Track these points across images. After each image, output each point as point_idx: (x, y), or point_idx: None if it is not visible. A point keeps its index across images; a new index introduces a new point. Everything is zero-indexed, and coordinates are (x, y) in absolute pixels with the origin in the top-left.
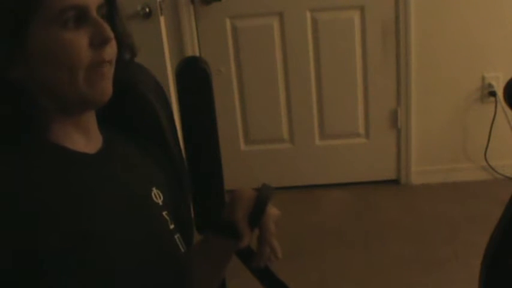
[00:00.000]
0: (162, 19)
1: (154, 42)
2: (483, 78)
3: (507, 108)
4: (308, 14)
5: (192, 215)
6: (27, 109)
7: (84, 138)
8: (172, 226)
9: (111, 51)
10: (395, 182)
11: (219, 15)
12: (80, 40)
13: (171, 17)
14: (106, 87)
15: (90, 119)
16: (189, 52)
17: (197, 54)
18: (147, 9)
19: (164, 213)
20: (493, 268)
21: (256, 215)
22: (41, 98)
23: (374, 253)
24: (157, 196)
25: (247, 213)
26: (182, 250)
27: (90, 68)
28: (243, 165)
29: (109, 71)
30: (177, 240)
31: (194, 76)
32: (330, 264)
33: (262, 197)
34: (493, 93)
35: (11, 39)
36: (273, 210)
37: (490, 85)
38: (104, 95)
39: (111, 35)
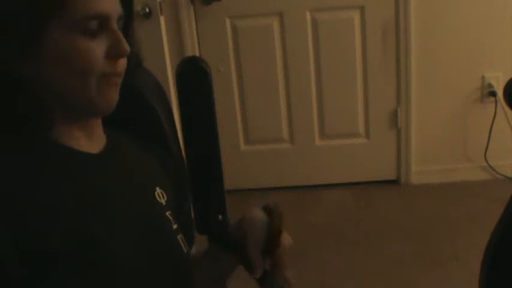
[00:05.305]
0: (162, 19)
1: (154, 42)
2: (483, 78)
3: (507, 108)
4: (308, 14)
5: (192, 216)
6: (31, 107)
7: (88, 138)
8: (175, 226)
9: (123, 62)
10: (395, 182)
11: (219, 15)
12: (97, 50)
13: (171, 17)
14: (114, 97)
15: (95, 120)
16: (189, 52)
17: (197, 54)
18: (147, 9)
19: (168, 213)
20: (493, 268)
21: (270, 248)
22: (48, 98)
23: (374, 253)
24: (160, 196)
25: (260, 246)
26: (185, 250)
27: (101, 78)
28: (243, 165)
29: (118, 82)
30: (180, 240)
31: (194, 76)
32: (330, 264)
33: (275, 228)
34: (493, 93)
35: (27, 37)
36: (286, 241)
37: (490, 85)
38: (111, 105)
39: (128, 49)
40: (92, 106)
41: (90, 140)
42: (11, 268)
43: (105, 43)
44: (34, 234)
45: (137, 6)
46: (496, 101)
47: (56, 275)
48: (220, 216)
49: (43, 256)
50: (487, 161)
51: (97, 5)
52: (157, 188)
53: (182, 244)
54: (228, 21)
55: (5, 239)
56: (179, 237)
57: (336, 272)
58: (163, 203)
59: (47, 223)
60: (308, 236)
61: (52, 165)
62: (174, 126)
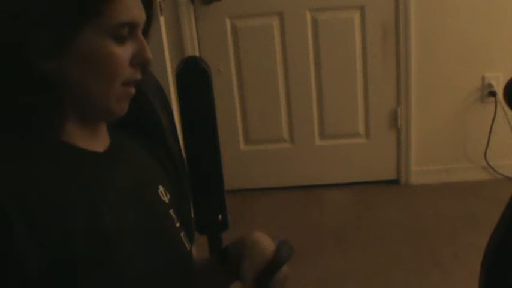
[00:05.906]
0: (162, 19)
1: (154, 42)
2: (483, 78)
3: (507, 108)
4: (308, 14)
5: (192, 215)
6: (47, 106)
7: (93, 138)
8: (178, 224)
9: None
10: (395, 182)
11: (219, 15)
12: (124, 56)
13: (171, 17)
14: (126, 107)
15: (101, 121)
16: (189, 52)
17: (197, 54)
18: None
19: (171, 211)
20: (493, 268)
21: (267, 278)
22: (65, 99)
23: (374, 253)
24: (163, 194)
25: (258, 272)
26: (188, 248)
27: (122, 86)
28: (243, 165)
29: (133, 93)
30: (183, 238)
31: (194, 76)
32: (330, 264)
33: (279, 261)
34: (493, 93)
35: (60, 37)
36: (283, 270)
37: (490, 85)
38: (122, 113)
39: (151, 57)
40: (106, 112)
41: (95, 140)
42: (28, 266)
43: (131, 50)
44: (44, 234)
45: None
46: (496, 101)
47: (62, 275)
48: (220, 216)
49: (49, 256)
50: (487, 161)
51: (131, 12)
52: (160, 187)
53: (185, 241)
54: (228, 21)
55: (20, 237)
56: (182, 234)
57: (336, 272)
58: (167, 201)
59: (57, 223)
60: (308, 236)
61: (60, 164)
62: (174, 126)
